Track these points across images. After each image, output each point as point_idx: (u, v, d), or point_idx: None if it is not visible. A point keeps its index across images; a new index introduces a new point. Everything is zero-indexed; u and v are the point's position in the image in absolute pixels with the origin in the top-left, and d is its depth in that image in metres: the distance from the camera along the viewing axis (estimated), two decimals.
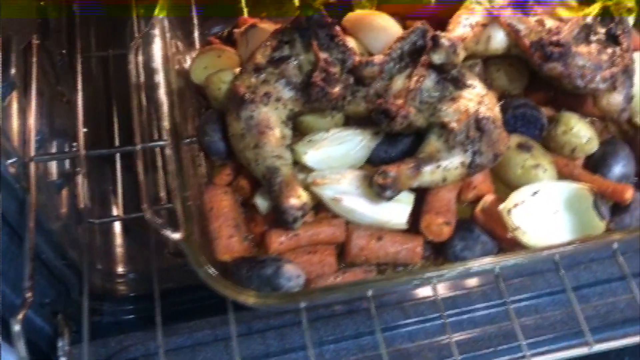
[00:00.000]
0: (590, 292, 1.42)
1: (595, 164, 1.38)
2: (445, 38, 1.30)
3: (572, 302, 1.20)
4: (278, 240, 1.22)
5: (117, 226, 1.68)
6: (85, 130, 1.41)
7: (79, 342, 1.40)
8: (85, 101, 1.46)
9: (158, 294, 1.32)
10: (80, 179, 1.58)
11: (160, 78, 1.34)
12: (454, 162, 1.24)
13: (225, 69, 1.38)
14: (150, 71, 1.36)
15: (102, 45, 1.81)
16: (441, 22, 1.56)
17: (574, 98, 1.42)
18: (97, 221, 1.59)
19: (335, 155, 1.29)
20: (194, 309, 1.47)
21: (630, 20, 1.51)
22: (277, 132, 1.27)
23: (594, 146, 1.38)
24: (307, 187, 1.25)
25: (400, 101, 1.28)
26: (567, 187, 1.27)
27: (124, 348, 1.47)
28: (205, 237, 1.23)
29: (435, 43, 1.29)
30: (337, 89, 1.29)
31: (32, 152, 1.28)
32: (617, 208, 1.32)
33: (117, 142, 1.62)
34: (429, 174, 1.23)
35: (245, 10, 1.58)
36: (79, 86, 1.47)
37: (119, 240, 1.70)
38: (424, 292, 1.38)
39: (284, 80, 1.31)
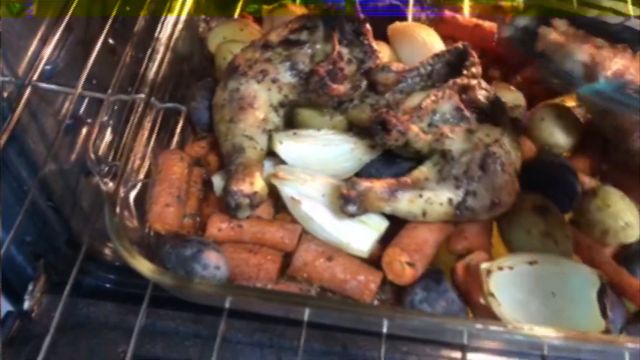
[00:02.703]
0: None
1: (630, 258, 1.10)
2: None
3: None
4: (217, 226, 1.08)
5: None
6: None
7: (51, 292, 1.35)
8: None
9: None
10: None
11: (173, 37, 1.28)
12: (440, 197, 1.03)
13: (241, 41, 1.28)
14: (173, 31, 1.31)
15: None
16: (502, 62, 1.39)
17: (633, 179, 1.15)
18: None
19: (316, 156, 1.13)
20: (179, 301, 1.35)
21: None
22: (260, 114, 1.14)
23: (632, 235, 1.10)
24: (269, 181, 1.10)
25: (405, 117, 1.10)
26: (574, 267, 1.01)
27: (88, 313, 1.38)
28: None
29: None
30: (340, 86, 1.14)
31: (34, 78, 1.26)
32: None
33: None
34: (406, 202, 1.03)
35: None
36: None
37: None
38: None
39: (289, 64, 1.18)
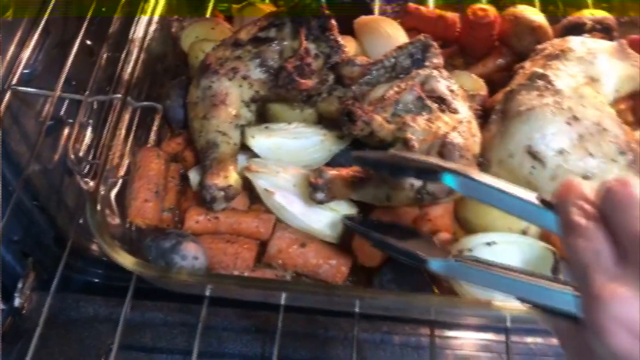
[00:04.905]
0: None
1: None
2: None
3: None
4: (195, 218, 1.13)
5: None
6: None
7: (40, 288, 1.39)
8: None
9: None
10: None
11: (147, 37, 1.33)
12: (402, 182, 1.10)
13: (213, 40, 1.33)
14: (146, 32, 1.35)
15: None
16: (465, 51, 1.45)
17: None
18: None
19: (287, 148, 1.19)
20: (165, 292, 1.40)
21: None
22: (232, 110, 1.19)
23: None
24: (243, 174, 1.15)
25: (370, 108, 1.16)
26: (529, 245, 1.08)
27: (78, 308, 1.42)
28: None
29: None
30: (308, 81, 1.20)
31: (14, 82, 1.30)
32: None
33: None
34: (372, 188, 1.10)
35: None
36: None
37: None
38: None
39: (258, 61, 1.23)
